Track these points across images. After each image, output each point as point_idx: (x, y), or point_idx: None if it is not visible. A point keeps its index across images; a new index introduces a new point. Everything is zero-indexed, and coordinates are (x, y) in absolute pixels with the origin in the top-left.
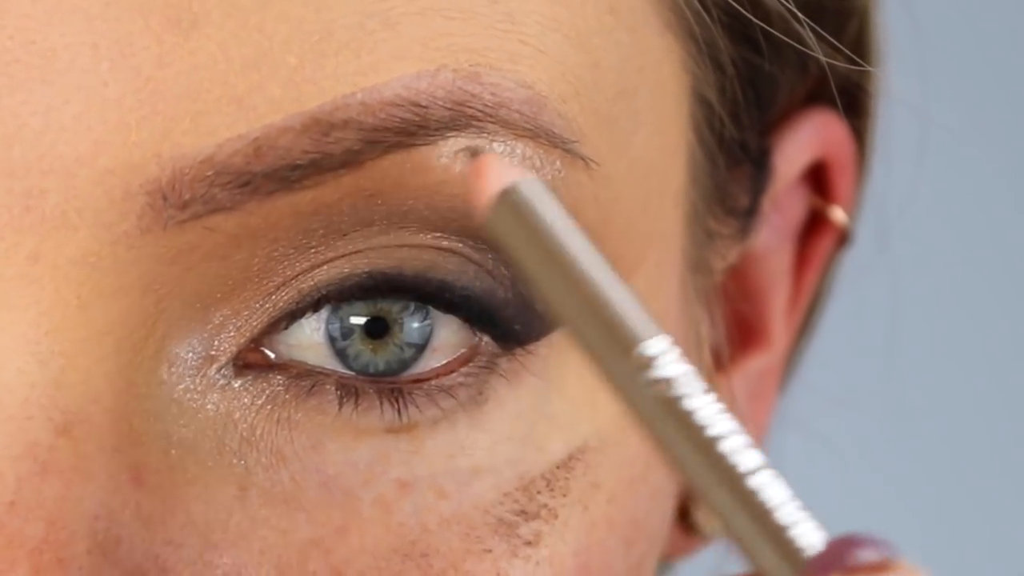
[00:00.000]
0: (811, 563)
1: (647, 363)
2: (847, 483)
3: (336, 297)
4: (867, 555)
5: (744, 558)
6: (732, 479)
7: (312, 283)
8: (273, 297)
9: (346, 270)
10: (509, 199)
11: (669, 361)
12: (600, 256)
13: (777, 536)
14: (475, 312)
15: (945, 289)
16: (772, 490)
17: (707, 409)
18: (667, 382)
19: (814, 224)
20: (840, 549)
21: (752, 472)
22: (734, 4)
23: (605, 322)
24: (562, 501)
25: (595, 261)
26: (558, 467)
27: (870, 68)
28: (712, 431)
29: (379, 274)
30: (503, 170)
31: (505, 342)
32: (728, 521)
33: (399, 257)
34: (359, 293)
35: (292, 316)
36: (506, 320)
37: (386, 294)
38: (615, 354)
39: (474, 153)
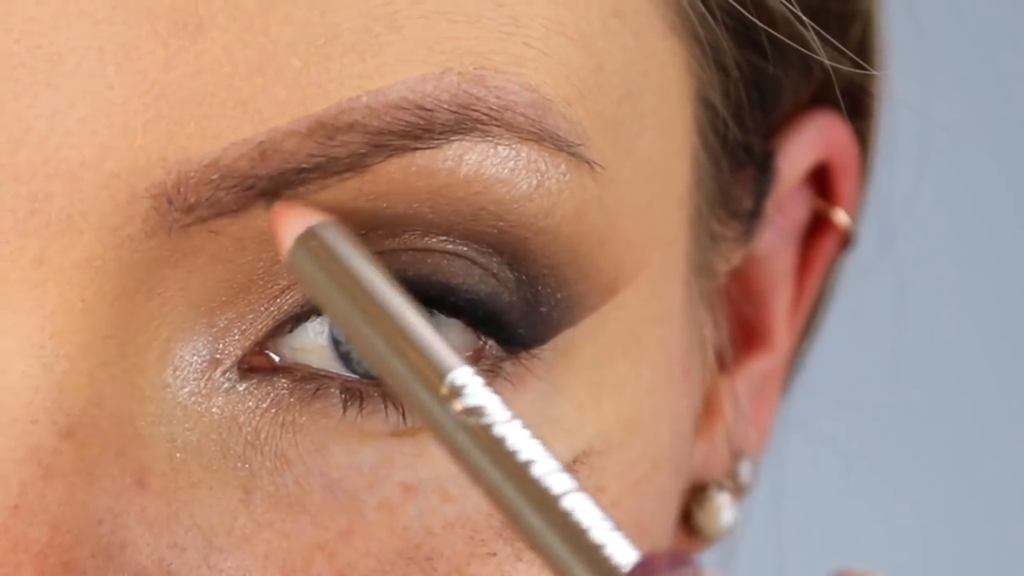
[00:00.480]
0: None
1: (455, 393)
2: (849, 484)
3: None
4: (674, 571)
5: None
6: (545, 501)
7: None
8: (278, 300)
9: None
10: (307, 244)
11: (475, 390)
12: (400, 293)
13: (592, 554)
14: (479, 316)
15: (948, 291)
16: (585, 511)
17: (517, 435)
18: (476, 411)
19: (817, 226)
20: (649, 566)
21: (565, 494)
22: (738, 7)
23: (410, 357)
24: None
25: (395, 299)
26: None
27: (874, 72)
28: (523, 456)
29: None
30: (300, 216)
31: (509, 346)
32: (544, 543)
33: (404, 261)
34: None
35: (297, 319)
36: (510, 324)
37: None
38: (423, 388)
39: (270, 203)
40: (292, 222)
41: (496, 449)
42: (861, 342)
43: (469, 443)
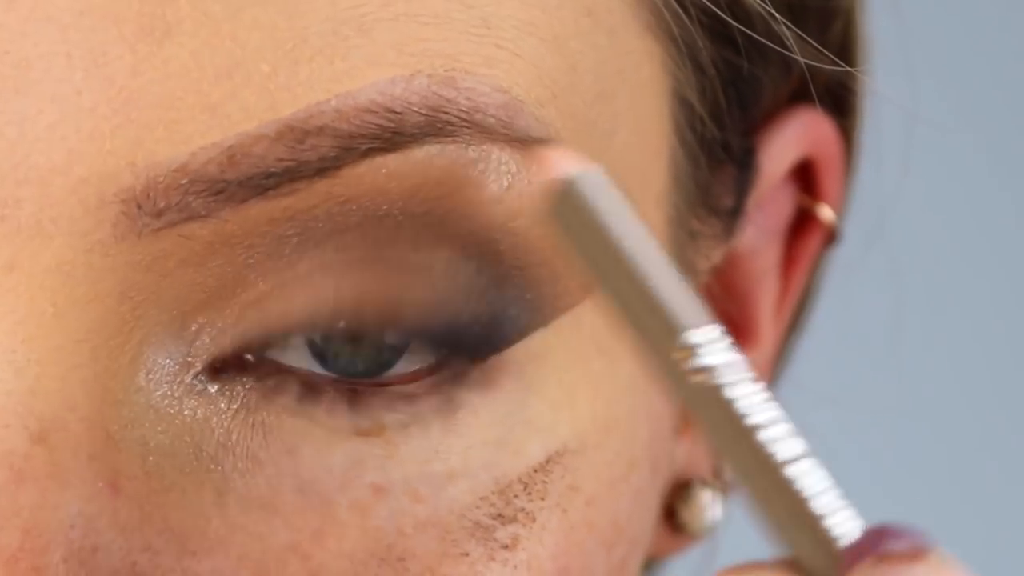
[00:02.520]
0: (846, 551)
1: (691, 351)
2: (837, 480)
3: (308, 328)
4: (901, 544)
5: (781, 546)
6: (769, 468)
7: (281, 307)
8: (252, 305)
9: (312, 303)
10: (569, 191)
11: (715, 350)
12: (655, 246)
13: (813, 525)
14: (438, 343)
15: (935, 285)
16: (810, 479)
17: (750, 398)
18: (710, 370)
19: (802, 222)
20: (874, 538)
21: (791, 461)
22: (713, 6)
23: (653, 311)
24: (540, 504)
25: (650, 251)
26: (535, 470)
27: (853, 70)
28: (752, 420)
29: (346, 312)
30: (564, 161)
31: (477, 353)
32: (765, 509)
33: (361, 297)
34: (331, 319)
35: (264, 340)
36: (469, 347)
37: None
38: (662, 342)
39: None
40: (556, 167)
41: (724, 411)
42: (848, 338)
43: (700, 402)
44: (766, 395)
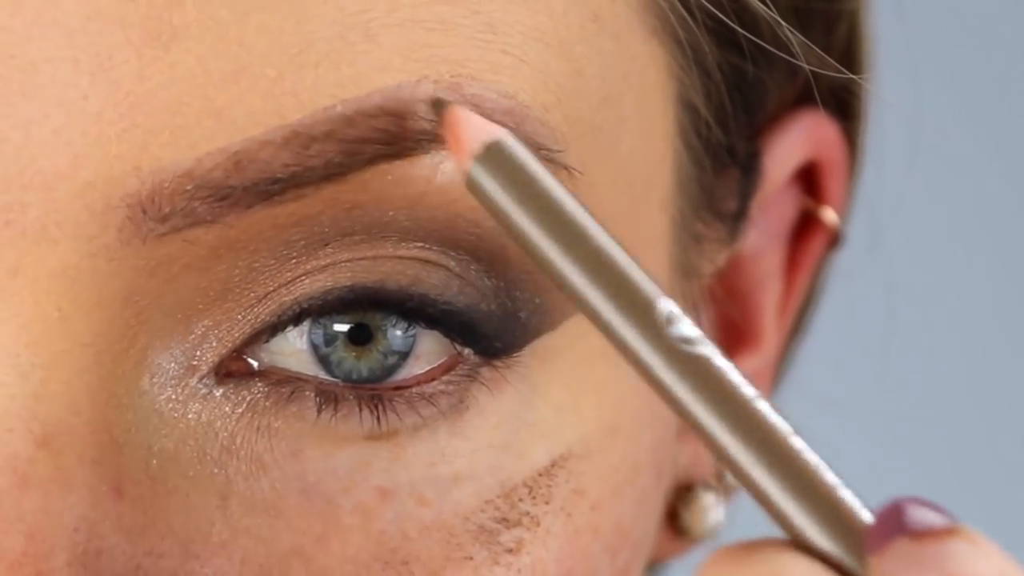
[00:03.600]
0: (872, 526)
1: (671, 319)
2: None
3: (318, 311)
4: (930, 518)
5: (781, 520)
6: (775, 437)
7: (293, 296)
8: (255, 309)
9: (328, 283)
10: (494, 154)
11: (685, 320)
12: (591, 216)
13: (827, 495)
14: (456, 327)
15: (937, 289)
16: (811, 454)
17: (735, 371)
18: (692, 340)
19: (805, 225)
20: (900, 512)
21: (791, 434)
22: (719, 12)
23: (617, 280)
24: (544, 508)
25: (591, 222)
26: (540, 474)
27: (859, 75)
28: (747, 390)
29: (361, 288)
30: (479, 123)
31: (487, 354)
32: (764, 482)
33: (383, 271)
34: (341, 307)
35: (274, 328)
36: (488, 334)
37: (368, 308)
38: (633, 312)
39: (438, 104)
40: (471, 131)
41: (719, 380)
42: (850, 341)
43: (686, 373)
44: (741, 371)
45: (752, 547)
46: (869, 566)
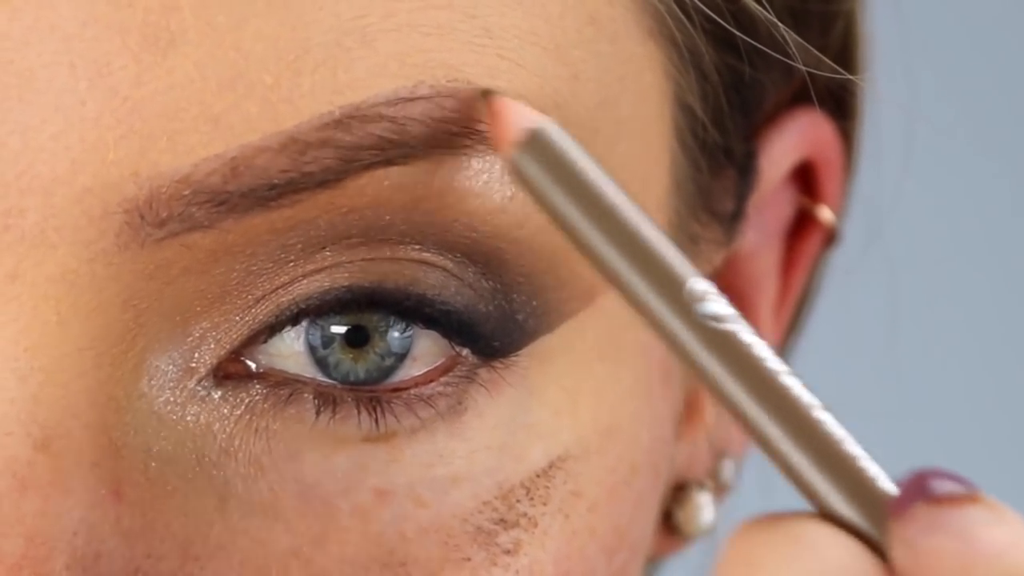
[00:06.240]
0: (895, 497)
1: (701, 297)
2: None
3: (315, 311)
4: (952, 487)
5: (807, 491)
6: (799, 410)
7: (291, 297)
8: (253, 310)
9: (326, 284)
10: (537, 141)
11: (717, 299)
12: (632, 200)
13: (851, 466)
14: (454, 327)
15: (935, 286)
16: (835, 426)
17: (763, 346)
18: (721, 317)
19: (802, 224)
20: (922, 480)
21: (816, 406)
22: (715, 14)
23: (651, 258)
24: (542, 510)
25: (630, 204)
26: (538, 476)
27: (855, 75)
28: (773, 364)
29: (359, 288)
30: (523, 112)
31: (485, 355)
32: (791, 454)
33: (380, 272)
34: (338, 307)
35: (272, 329)
36: (486, 334)
37: (366, 308)
38: (664, 288)
39: (484, 94)
40: (516, 117)
41: (746, 355)
42: (847, 339)
43: (714, 348)
44: (769, 345)
45: (779, 518)
46: (891, 531)
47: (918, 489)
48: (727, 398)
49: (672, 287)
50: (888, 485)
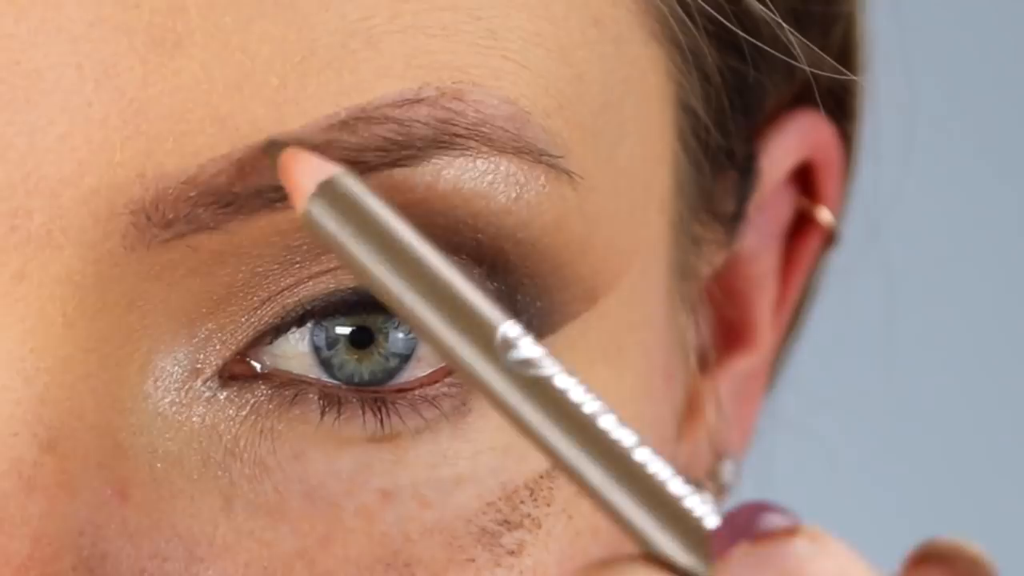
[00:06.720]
0: (715, 532)
1: (510, 344)
2: (836, 482)
3: (320, 313)
4: (773, 520)
5: (631, 534)
6: (617, 453)
7: (297, 298)
8: (258, 312)
9: (331, 285)
10: (327, 196)
11: (527, 343)
12: (432, 247)
13: (673, 507)
14: None
15: (934, 287)
16: (657, 464)
17: (577, 388)
18: (533, 362)
19: (801, 224)
20: (744, 516)
21: (635, 447)
22: (719, 15)
23: (458, 308)
24: (546, 511)
25: (430, 252)
26: (541, 476)
27: (856, 76)
28: (589, 408)
29: (364, 290)
30: (314, 163)
31: None
32: (615, 497)
33: None
34: (343, 308)
35: (277, 330)
36: None
37: (370, 310)
38: (474, 338)
39: (273, 147)
40: (306, 172)
41: (559, 400)
42: (847, 340)
43: (528, 395)
44: (586, 385)
45: (606, 564)
46: (714, 571)
47: (740, 527)
48: (542, 444)
49: (482, 334)
50: (714, 523)
